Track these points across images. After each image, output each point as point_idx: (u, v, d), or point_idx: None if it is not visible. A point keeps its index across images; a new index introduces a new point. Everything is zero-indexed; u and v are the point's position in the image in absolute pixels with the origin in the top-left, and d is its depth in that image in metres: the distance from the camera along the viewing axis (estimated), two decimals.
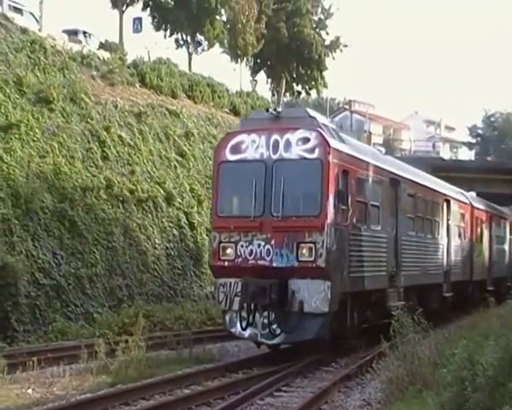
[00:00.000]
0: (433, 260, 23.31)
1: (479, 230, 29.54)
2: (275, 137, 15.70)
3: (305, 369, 15.17)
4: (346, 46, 55.88)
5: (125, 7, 40.86)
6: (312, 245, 15.02)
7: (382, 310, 17.52)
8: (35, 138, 22.46)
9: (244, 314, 15.59)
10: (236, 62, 49.19)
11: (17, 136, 21.78)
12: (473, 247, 28.02)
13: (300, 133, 15.51)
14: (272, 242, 15.39)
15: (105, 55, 30.81)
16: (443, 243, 24.33)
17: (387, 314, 15.26)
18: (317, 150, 15.32)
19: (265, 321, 15.42)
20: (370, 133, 67.80)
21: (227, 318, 16.06)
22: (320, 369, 15.60)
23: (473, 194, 31.41)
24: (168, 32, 44.32)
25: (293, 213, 15.48)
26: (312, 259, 15.02)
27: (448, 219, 24.85)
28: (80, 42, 32.62)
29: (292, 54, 52.59)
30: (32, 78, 23.76)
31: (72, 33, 34.05)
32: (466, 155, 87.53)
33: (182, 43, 45.20)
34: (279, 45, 51.51)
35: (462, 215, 27.02)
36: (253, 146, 15.87)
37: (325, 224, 15.05)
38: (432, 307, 21.16)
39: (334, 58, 55.68)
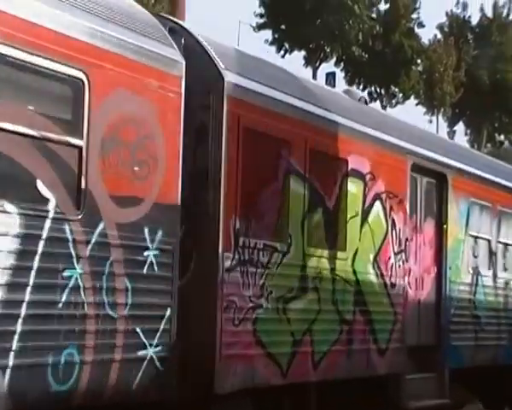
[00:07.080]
0: None
1: None
2: None
3: None
4: None
5: (318, 63, 41.19)
6: None
7: None
8: None
9: None
10: (433, 114, 47.89)
11: None
12: None
13: None
14: None
15: None
16: None
17: None
18: None
19: None
20: None
21: None
22: None
23: None
24: (361, 86, 43.99)
25: None
26: None
27: None
28: None
29: (494, 102, 49.89)
30: None
31: None
32: None
33: (375, 96, 44.64)
34: (480, 93, 49.07)
35: None
36: None
37: None
38: None
39: None
